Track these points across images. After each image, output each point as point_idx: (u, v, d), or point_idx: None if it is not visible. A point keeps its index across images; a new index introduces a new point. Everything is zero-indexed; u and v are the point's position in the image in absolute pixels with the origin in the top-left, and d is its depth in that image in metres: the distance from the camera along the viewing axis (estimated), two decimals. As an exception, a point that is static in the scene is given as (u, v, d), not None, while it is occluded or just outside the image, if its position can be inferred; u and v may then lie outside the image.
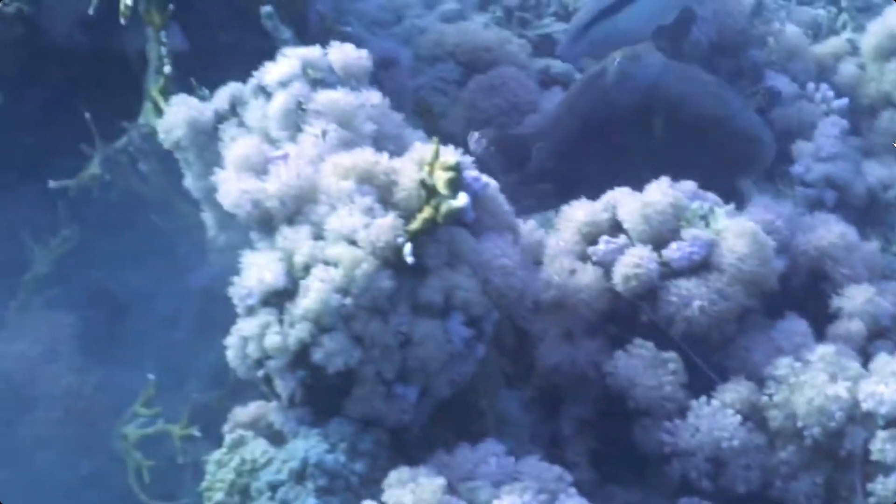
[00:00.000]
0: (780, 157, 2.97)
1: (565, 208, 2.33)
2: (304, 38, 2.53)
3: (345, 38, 2.34)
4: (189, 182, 2.33)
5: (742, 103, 2.69)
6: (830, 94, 3.12)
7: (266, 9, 2.54)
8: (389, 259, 1.88)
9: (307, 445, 1.90)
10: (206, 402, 2.52)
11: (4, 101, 2.55)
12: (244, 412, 2.10)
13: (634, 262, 2.18)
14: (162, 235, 2.68)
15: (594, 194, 2.35)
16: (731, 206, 2.34)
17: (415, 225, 1.90)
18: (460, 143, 2.25)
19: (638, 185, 2.32)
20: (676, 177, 2.34)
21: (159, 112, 2.45)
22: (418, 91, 3.03)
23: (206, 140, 2.27)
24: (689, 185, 2.35)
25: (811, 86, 3.13)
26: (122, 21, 2.45)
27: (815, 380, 2.08)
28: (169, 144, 2.32)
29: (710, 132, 2.56)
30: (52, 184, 2.55)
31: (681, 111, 2.52)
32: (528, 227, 2.24)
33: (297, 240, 1.93)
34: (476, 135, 2.67)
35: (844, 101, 3.12)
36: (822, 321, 2.27)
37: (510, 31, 3.25)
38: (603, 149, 2.57)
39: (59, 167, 2.57)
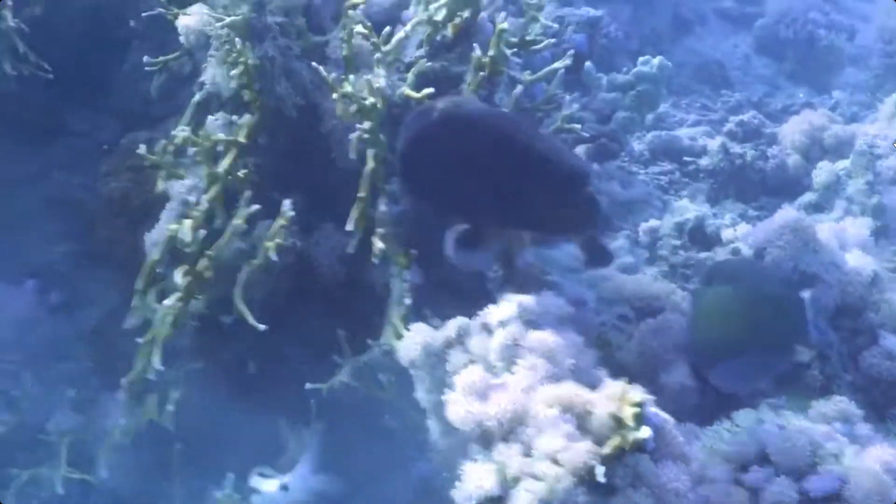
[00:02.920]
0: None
1: (724, 436, 2.31)
2: (512, 283, 2.55)
3: (547, 284, 2.38)
4: (420, 394, 2.37)
5: (550, 139, 2.32)
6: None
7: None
8: (584, 477, 1.89)
9: None
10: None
11: (272, 320, 2.60)
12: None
13: (779, 489, 2.15)
14: (392, 433, 2.75)
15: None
16: (859, 448, 2.27)
17: (606, 450, 1.91)
18: (630, 370, 2.25)
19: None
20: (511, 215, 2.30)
21: (398, 334, 2.50)
22: (600, 326, 3.04)
23: (436, 361, 2.32)
24: (824, 429, 2.31)
25: (923, 348, 3.03)
26: (375, 261, 2.54)
27: None
28: (405, 362, 2.37)
29: (521, 160, 2.24)
30: (308, 386, 2.62)
31: (496, 142, 2.24)
32: (695, 454, 2.21)
33: (509, 455, 1.96)
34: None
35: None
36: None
37: (675, 283, 3.25)
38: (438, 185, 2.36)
39: (317, 373, 2.65)
